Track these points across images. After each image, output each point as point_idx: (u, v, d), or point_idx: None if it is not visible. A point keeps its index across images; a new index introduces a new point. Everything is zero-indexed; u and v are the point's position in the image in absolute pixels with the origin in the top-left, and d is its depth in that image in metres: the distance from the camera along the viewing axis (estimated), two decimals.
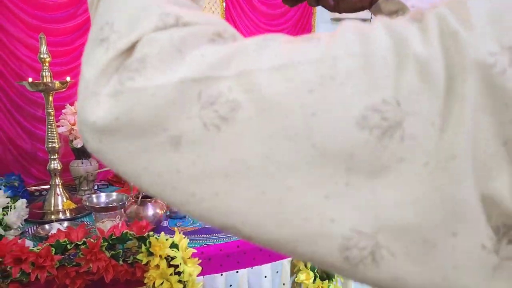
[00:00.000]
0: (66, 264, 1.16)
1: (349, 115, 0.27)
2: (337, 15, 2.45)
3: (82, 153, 1.83)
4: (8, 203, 1.43)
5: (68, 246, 1.18)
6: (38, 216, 1.61)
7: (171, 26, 0.31)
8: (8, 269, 1.12)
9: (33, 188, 1.88)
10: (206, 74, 0.28)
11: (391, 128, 0.27)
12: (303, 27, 2.39)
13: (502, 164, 0.27)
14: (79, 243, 1.19)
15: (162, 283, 1.20)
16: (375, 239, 0.28)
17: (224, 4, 2.16)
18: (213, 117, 0.28)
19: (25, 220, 1.51)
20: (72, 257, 1.19)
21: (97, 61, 0.31)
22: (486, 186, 0.27)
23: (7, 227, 1.37)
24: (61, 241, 1.18)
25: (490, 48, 0.27)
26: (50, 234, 1.29)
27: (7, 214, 1.38)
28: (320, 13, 2.48)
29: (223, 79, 0.28)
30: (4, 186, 1.66)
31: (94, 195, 1.55)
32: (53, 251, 1.15)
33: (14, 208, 1.44)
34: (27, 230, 1.51)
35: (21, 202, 1.50)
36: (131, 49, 0.31)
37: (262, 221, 0.29)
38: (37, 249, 1.15)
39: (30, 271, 1.11)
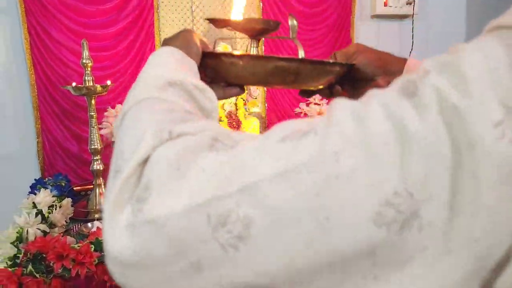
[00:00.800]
0: (104, 261, 1.19)
1: (363, 215, 0.26)
2: (378, 12, 2.39)
3: None
4: (53, 202, 1.50)
5: None
6: (82, 214, 1.67)
7: (166, 141, 0.32)
8: (51, 264, 1.17)
9: (79, 187, 1.96)
10: (210, 195, 0.28)
11: (408, 221, 0.26)
12: (341, 26, 2.34)
13: None
14: None
15: None
16: None
17: (261, 4, 2.16)
18: (228, 238, 0.27)
19: (70, 218, 1.58)
20: None
21: (110, 192, 0.31)
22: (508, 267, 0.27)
23: (52, 225, 1.43)
24: (100, 239, 1.22)
25: (494, 116, 0.25)
26: (91, 232, 1.34)
27: (52, 213, 1.44)
28: (360, 11, 2.42)
29: (228, 196, 0.28)
30: (51, 186, 1.74)
31: None
32: (93, 248, 1.20)
33: (60, 207, 1.50)
34: (72, 228, 1.57)
35: (67, 201, 1.57)
36: (138, 174, 0.31)
37: None
38: (78, 246, 1.20)
39: (71, 267, 1.16)
